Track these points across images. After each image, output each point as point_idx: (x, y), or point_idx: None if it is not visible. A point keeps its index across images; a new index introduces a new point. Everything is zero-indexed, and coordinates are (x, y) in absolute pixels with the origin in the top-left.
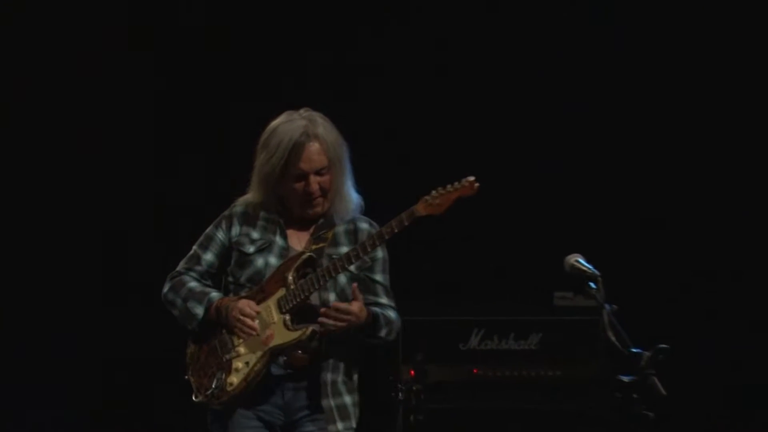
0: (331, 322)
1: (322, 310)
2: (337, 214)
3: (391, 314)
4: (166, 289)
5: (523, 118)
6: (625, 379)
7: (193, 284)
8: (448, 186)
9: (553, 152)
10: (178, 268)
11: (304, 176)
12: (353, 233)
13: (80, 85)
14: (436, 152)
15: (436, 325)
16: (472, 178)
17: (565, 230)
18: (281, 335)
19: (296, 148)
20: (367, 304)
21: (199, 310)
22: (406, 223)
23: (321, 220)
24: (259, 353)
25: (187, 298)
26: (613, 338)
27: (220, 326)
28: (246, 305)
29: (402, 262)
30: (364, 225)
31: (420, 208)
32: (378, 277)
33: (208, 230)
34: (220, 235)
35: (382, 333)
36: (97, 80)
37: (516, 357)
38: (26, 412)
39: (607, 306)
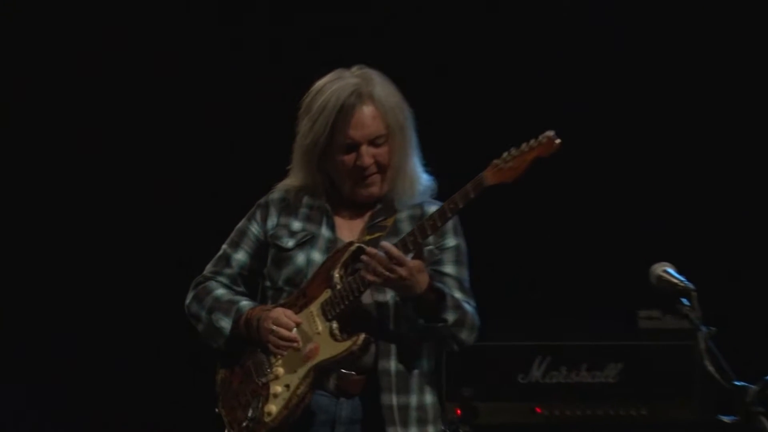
0: (378, 269)
1: (363, 257)
2: (399, 197)
3: (467, 306)
4: (189, 299)
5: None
6: (727, 419)
7: (220, 292)
8: (523, 145)
9: (640, 142)
10: (204, 273)
11: (354, 146)
12: (419, 219)
13: None
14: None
15: (488, 352)
16: (551, 133)
17: (651, 235)
18: (328, 348)
19: (345, 111)
20: None
21: (226, 323)
22: (472, 196)
23: (378, 206)
24: (301, 373)
25: (213, 309)
26: (711, 368)
27: (254, 343)
28: (281, 314)
29: None
30: (432, 208)
31: (488, 176)
32: (448, 268)
33: (240, 224)
34: (254, 228)
35: (449, 316)
36: None
37: (590, 392)
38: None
39: (703, 328)
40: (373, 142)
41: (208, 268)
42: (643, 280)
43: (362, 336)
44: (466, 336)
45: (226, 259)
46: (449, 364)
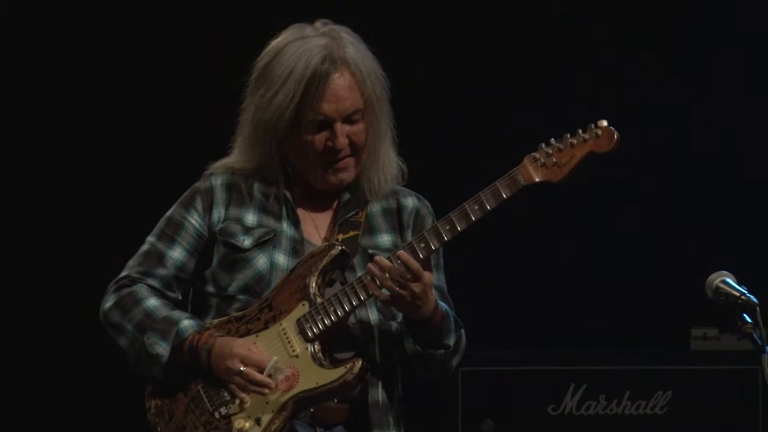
0: (390, 284)
1: (372, 267)
2: (371, 185)
3: (460, 325)
4: (108, 304)
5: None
6: None
7: (152, 303)
8: (567, 137)
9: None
10: (127, 272)
11: (327, 124)
12: (395, 214)
13: None
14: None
15: (512, 379)
16: (605, 123)
17: (707, 242)
18: (311, 375)
19: (315, 81)
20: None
21: (163, 350)
22: (506, 196)
23: (346, 195)
24: (276, 404)
25: (143, 326)
26: None
27: (200, 373)
28: (250, 352)
29: (460, 282)
30: (409, 201)
31: (526, 173)
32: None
33: (171, 213)
34: (194, 219)
35: (450, 341)
36: None
37: (634, 425)
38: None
39: None
40: (348, 119)
41: (133, 266)
42: (698, 292)
43: (359, 362)
44: (455, 362)
45: (158, 257)
46: (465, 392)
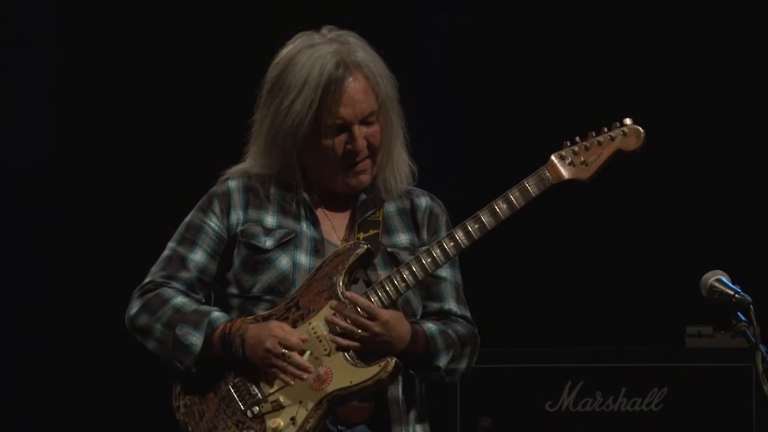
0: (348, 327)
1: (333, 303)
2: (387, 185)
3: (461, 329)
4: (134, 310)
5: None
6: None
7: (180, 300)
8: (593, 135)
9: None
10: (150, 278)
11: (345, 128)
12: (410, 213)
13: None
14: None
15: (510, 376)
16: (630, 121)
17: (701, 241)
18: (344, 374)
19: (332, 86)
20: (428, 313)
21: (196, 339)
22: (535, 194)
23: (363, 196)
24: (310, 403)
25: (173, 321)
26: None
27: (234, 362)
28: (287, 332)
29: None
30: (422, 200)
31: (554, 171)
32: (444, 272)
33: (190, 218)
34: (213, 222)
35: (441, 362)
36: None
37: (630, 422)
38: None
39: (762, 347)
40: (365, 121)
41: (156, 272)
42: (691, 291)
43: (393, 360)
44: (466, 365)
45: (181, 261)
46: (464, 390)
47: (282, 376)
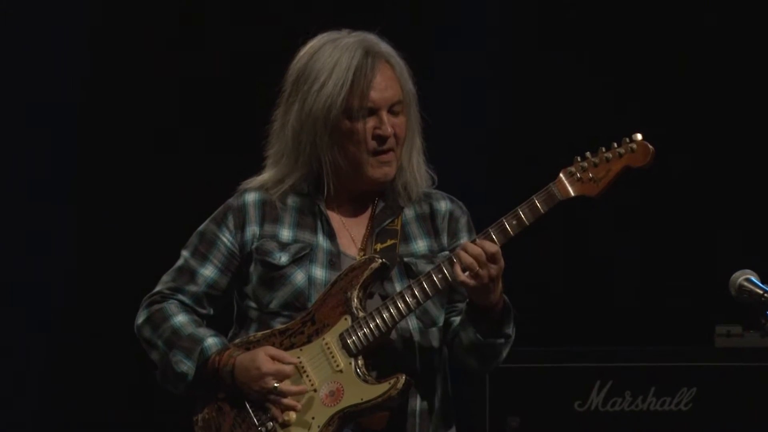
0: (476, 268)
1: (462, 253)
2: (405, 188)
3: None
4: (141, 319)
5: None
6: None
7: (179, 320)
8: (602, 150)
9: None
10: (159, 288)
11: (374, 111)
12: (429, 219)
13: None
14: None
15: (538, 375)
16: (640, 137)
17: (729, 237)
18: (355, 390)
19: (364, 69)
20: (451, 313)
21: (187, 368)
22: (543, 211)
23: (380, 203)
24: (321, 420)
25: (171, 344)
26: None
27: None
28: (277, 365)
29: None
30: (442, 204)
31: (562, 187)
32: None
33: (204, 228)
34: (226, 238)
35: (510, 330)
36: None
37: (659, 422)
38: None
39: None
40: (391, 110)
41: (166, 282)
42: (721, 290)
43: (403, 377)
44: (504, 356)
45: (190, 274)
46: (493, 389)
47: (276, 410)
